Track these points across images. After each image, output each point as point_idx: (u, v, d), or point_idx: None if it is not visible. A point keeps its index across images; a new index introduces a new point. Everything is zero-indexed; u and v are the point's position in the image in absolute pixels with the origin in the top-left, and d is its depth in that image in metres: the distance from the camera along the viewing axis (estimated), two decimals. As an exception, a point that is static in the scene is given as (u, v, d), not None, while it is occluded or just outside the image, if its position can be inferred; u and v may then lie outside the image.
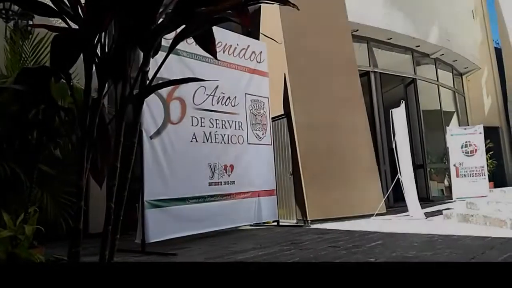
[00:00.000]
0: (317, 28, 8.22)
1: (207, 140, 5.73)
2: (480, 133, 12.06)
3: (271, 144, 6.88)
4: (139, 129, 5.07)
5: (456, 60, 13.40)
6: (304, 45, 7.88)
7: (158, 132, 5.17)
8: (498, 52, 17.40)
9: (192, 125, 5.59)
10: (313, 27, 8.17)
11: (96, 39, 1.64)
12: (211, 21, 1.79)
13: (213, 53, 1.94)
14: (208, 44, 1.95)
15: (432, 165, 12.14)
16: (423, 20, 11.36)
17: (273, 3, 1.76)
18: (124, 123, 1.72)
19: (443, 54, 12.50)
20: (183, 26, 1.72)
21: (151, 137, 5.10)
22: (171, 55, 5.33)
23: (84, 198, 1.64)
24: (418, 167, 11.17)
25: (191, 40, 2.44)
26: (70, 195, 4.25)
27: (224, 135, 5.99)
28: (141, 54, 1.75)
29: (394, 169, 9.67)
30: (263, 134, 6.69)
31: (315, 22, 8.22)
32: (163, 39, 1.91)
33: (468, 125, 13.60)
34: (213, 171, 5.73)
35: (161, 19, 1.71)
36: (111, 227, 1.59)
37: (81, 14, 1.64)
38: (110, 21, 1.65)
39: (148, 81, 1.80)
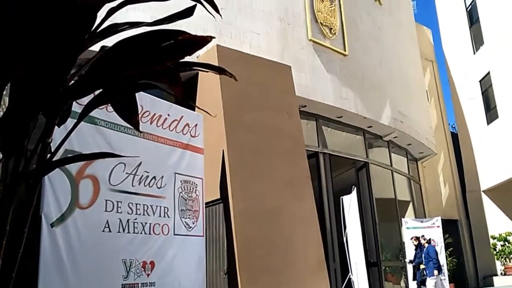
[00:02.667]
0: (261, 100, 8.50)
1: (124, 230, 5.45)
2: (438, 226, 12.64)
3: (203, 236, 6.68)
4: (38, 214, 4.74)
5: (410, 144, 14.32)
6: (247, 119, 8.05)
7: (61, 219, 4.84)
8: (455, 137, 18.93)
9: (106, 211, 5.31)
10: (258, 99, 8.44)
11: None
12: (134, 86, 1.77)
13: (135, 124, 1.90)
14: (130, 114, 1.91)
15: (387, 263, 12.37)
16: (375, 99, 12.19)
17: (208, 71, 1.77)
18: (15, 207, 1.57)
19: (396, 137, 13.34)
20: (100, 90, 1.70)
21: (52, 225, 4.76)
22: (85, 124, 5.21)
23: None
24: (371, 265, 11.32)
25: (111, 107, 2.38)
26: None
27: (145, 223, 5.75)
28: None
29: (345, 266, 9.69)
30: (193, 223, 6.50)
31: (260, 94, 8.51)
32: (75, 103, 1.87)
33: (425, 217, 14.25)
34: (128, 269, 5.38)
35: (73, 81, 1.66)
36: None
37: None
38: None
39: (50, 155, 1.72)
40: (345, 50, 11.51)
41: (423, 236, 11.84)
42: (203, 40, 1.56)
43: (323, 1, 11.33)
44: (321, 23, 11.09)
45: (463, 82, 18.97)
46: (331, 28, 11.35)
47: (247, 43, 9.38)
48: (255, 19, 9.74)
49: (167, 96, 7.02)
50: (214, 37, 1.59)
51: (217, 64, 8.10)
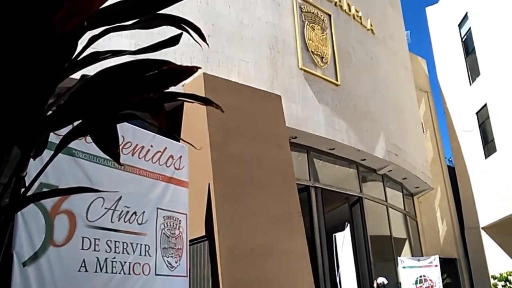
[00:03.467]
0: (250, 131, 8.52)
1: (101, 269, 5.33)
2: (436, 265, 12.59)
3: (187, 276, 6.57)
4: (10, 252, 4.63)
5: (405, 178, 14.38)
6: (234, 151, 8.05)
7: (34, 257, 4.74)
8: (452, 171, 19.05)
9: (83, 249, 5.21)
10: (246, 130, 8.46)
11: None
12: (115, 118, 1.77)
13: (115, 156, 1.89)
14: (110, 146, 1.90)
15: (383, 306, 12.23)
16: (368, 131, 12.29)
17: (193, 102, 1.78)
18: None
19: (391, 171, 13.40)
20: (79, 121, 1.70)
21: (24, 264, 4.65)
22: (63, 155, 5.17)
23: None
24: (366, 307, 11.19)
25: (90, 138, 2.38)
26: None
27: (125, 262, 5.64)
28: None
29: (338, 310, 9.58)
30: (176, 262, 6.40)
31: (249, 125, 8.54)
32: (53, 133, 1.86)
33: (422, 256, 14.19)
34: (105, 312, 5.25)
35: (50, 111, 1.65)
36: None
37: None
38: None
39: (24, 189, 1.69)
40: (337, 80, 11.66)
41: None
42: (189, 71, 1.56)
43: (314, 29, 11.54)
44: (312, 51, 11.26)
45: (460, 114, 19.26)
46: (323, 57, 11.52)
47: (236, 71, 9.46)
48: (244, 46, 9.86)
49: (150, 126, 7.01)
50: (199, 67, 1.59)
51: (203, 93, 8.15)
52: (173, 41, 1.67)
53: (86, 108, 1.66)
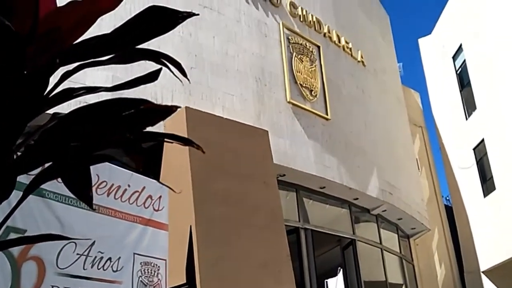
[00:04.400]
0: (235, 168, 8.49)
1: (72, 322, 5.17)
2: (436, 313, 12.49)
3: (165, 327, 6.39)
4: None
5: (401, 219, 14.37)
6: (218, 190, 7.99)
7: (-4, 309, 4.58)
8: (449, 210, 19.11)
9: (51, 298, 5.06)
10: (231, 167, 8.42)
11: None
12: (89, 159, 1.74)
13: (88, 200, 1.86)
14: (83, 188, 1.87)
15: None
16: (361, 168, 12.33)
17: (172, 142, 1.76)
18: None
19: (385, 211, 13.39)
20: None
21: (-16, 317, 4.48)
22: (32, 197, 5.06)
23: None
24: None
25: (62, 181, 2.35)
26: None
27: (98, 313, 5.48)
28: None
29: None
30: (154, 313, 6.24)
31: (234, 161, 8.51)
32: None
33: (420, 302, 14.07)
34: None
35: (19, 152, 1.63)
36: None
37: None
38: None
39: None
40: (327, 114, 11.75)
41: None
42: (168, 110, 1.55)
43: (302, 61, 11.68)
44: (300, 84, 11.37)
45: (456, 150, 19.45)
46: (312, 90, 11.63)
47: (220, 105, 9.49)
48: (229, 79, 9.92)
49: (126, 163, 6.93)
50: (179, 107, 1.60)
51: (185, 128, 8.15)
52: (151, 77, 1.66)
53: (57, 148, 1.63)
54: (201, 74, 9.39)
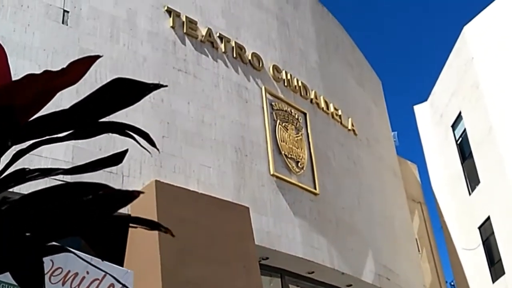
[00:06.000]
0: (211, 251, 8.36)
1: None
2: None
3: None
4: None
5: (401, 308, 14.15)
6: (192, 276, 7.84)
7: None
8: (454, 298, 18.85)
9: None
10: (206, 249, 8.30)
11: None
12: (43, 250, 1.72)
13: None
14: (34, 283, 1.82)
15: None
16: (354, 249, 12.24)
17: (136, 227, 1.76)
18: None
19: (383, 299, 13.20)
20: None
21: None
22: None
23: None
24: None
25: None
26: None
27: None
28: None
29: None
30: None
31: (210, 243, 8.40)
32: None
33: None
34: None
35: None
36: None
37: None
38: None
39: None
40: (315, 188, 11.77)
41: None
42: (130, 196, 1.54)
43: (287, 129, 11.83)
44: (285, 155, 11.45)
45: (460, 229, 19.48)
46: (298, 162, 11.70)
47: (195, 178, 9.47)
48: (205, 149, 9.95)
49: (85, 246, 6.80)
50: (143, 192, 1.58)
51: (155, 205, 8.07)
52: (116, 159, 1.66)
53: (7, 240, 1.60)
54: (174, 143, 9.42)
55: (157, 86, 1.60)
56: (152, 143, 1.69)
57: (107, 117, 1.58)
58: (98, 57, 1.51)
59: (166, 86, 1.66)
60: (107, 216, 1.69)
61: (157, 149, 1.75)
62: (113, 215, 1.71)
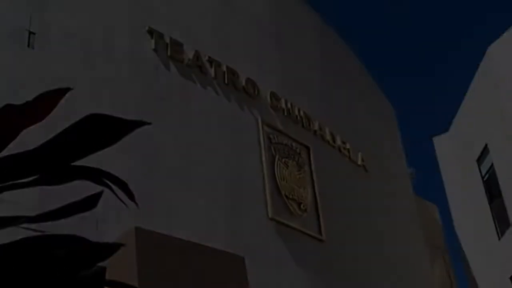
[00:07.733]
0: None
1: None
2: None
3: None
4: None
5: None
6: None
7: None
8: None
9: None
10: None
11: None
12: None
13: None
14: None
15: None
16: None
17: None
18: None
19: None
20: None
21: None
22: None
23: None
24: None
25: None
26: None
27: None
28: None
29: None
30: None
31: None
32: None
33: None
34: None
35: None
36: None
37: None
38: None
39: None
40: (320, 234, 11.70)
41: None
42: (108, 250, 1.52)
43: (287, 166, 11.81)
44: (286, 195, 11.41)
45: (489, 279, 19.28)
46: (301, 203, 11.66)
47: (181, 223, 9.41)
48: (193, 189, 9.92)
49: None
50: (123, 245, 1.56)
51: (134, 254, 8.00)
52: (89, 203, 1.65)
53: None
54: (156, 183, 9.37)
55: (139, 124, 1.60)
56: (130, 195, 1.68)
57: (80, 161, 1.58)
58: (68, 89, 1.51)
59: (149, 123, 1.66)
60: (79, 276, 1.68)
61: (135, 203, 1.75)
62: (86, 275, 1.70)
